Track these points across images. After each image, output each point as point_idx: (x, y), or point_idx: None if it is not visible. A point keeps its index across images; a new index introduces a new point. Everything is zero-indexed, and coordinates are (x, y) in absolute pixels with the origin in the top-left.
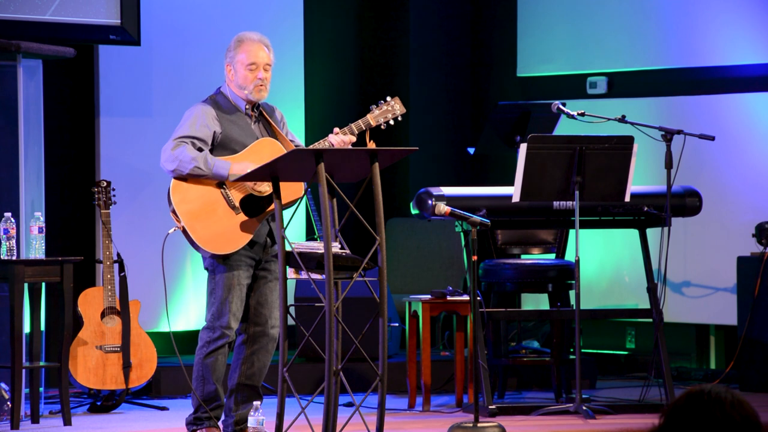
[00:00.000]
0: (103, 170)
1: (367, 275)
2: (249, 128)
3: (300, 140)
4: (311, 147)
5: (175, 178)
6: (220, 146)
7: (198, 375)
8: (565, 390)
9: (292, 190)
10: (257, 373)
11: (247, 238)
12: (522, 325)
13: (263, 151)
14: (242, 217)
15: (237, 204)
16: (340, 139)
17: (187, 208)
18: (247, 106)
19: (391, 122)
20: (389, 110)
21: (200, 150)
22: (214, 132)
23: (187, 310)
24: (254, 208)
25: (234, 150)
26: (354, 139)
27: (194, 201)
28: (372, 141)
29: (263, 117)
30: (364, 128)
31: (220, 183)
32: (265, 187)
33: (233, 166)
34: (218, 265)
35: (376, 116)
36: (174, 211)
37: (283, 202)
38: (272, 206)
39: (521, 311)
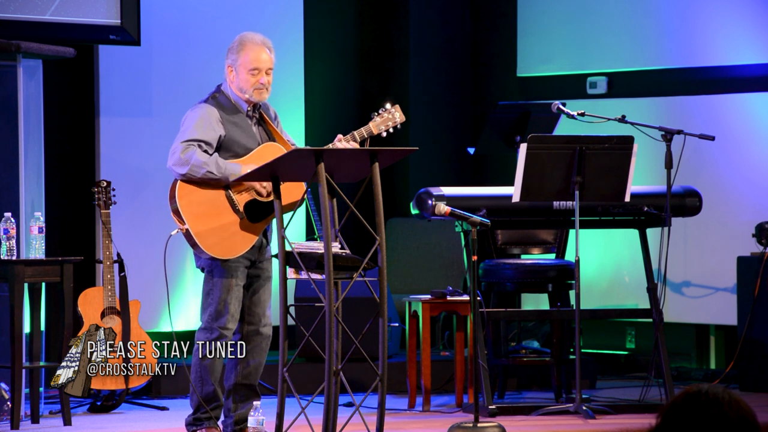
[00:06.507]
0: (103, 170)
1: (367, 275)
2: (250, 130)
3: (292, 138)
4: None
5: (183, 181)
6: (223, 149)
7: (197, 376)
8: (565, 390)
9: (292, 194)
10: (253, 372)
11: (250, 243)
12: (522, 325)
13: (267, 155)
14: (246, 222)
15: (241, 209)
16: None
17: (192, 212)
18: (248, 108)
19: (391, 130)
20: (390, 118)
21: (206, 152)
22: (219, 135)
23: (188, 310)
24: (257, 213)
25: (236, 153)
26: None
27: (200, 205)
28: None
29: (262, 118)
30: (366, 136)
31: (226, 186)
32: (268, 192)
33: (243, 168)
34: (216, 266)
35: (378, 124)
36: (177, 213)
37: (283, 203)
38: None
39: (521, 311)
